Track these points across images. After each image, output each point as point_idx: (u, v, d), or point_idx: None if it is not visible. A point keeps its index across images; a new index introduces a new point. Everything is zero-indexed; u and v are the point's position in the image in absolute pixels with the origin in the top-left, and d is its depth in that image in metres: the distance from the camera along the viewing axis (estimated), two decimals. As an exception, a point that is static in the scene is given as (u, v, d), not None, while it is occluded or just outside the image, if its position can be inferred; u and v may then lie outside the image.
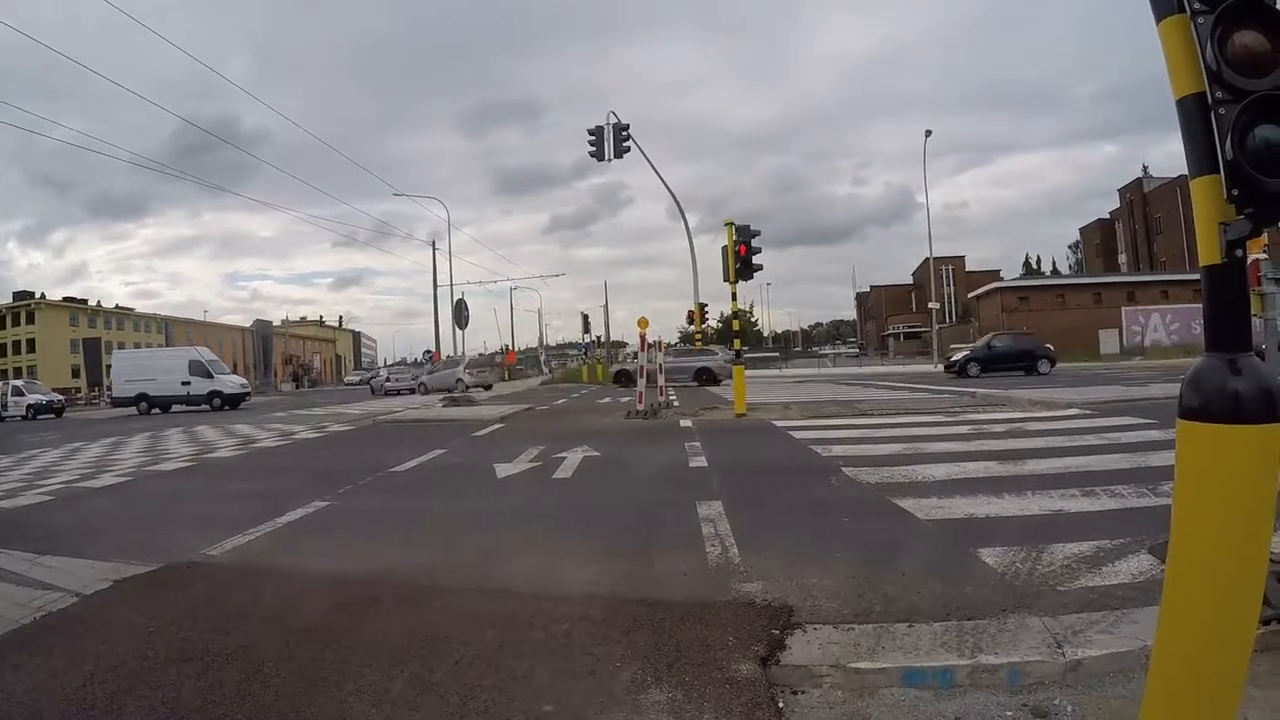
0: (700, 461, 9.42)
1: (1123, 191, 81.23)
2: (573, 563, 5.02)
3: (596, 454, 10.43)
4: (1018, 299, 59.68)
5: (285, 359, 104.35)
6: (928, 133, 44.33)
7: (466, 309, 25.47)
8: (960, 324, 69.13)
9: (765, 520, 6.19)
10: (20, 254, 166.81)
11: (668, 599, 4.10)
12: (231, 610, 4.36)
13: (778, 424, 13.33)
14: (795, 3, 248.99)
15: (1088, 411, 12.81)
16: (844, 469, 8.09)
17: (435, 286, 49.11)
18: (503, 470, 9.38)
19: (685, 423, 14.64)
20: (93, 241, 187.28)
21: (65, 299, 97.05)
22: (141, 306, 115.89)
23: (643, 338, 17.76)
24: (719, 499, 6.74)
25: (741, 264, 15.49)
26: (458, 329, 25.74)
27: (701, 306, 38.50)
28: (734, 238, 15.46)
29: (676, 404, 19.46)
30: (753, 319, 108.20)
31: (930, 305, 48.99)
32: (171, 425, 22.83)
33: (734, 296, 16.29)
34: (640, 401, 16.71)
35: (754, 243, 15.73)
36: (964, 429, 11.26)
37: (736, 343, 17.30)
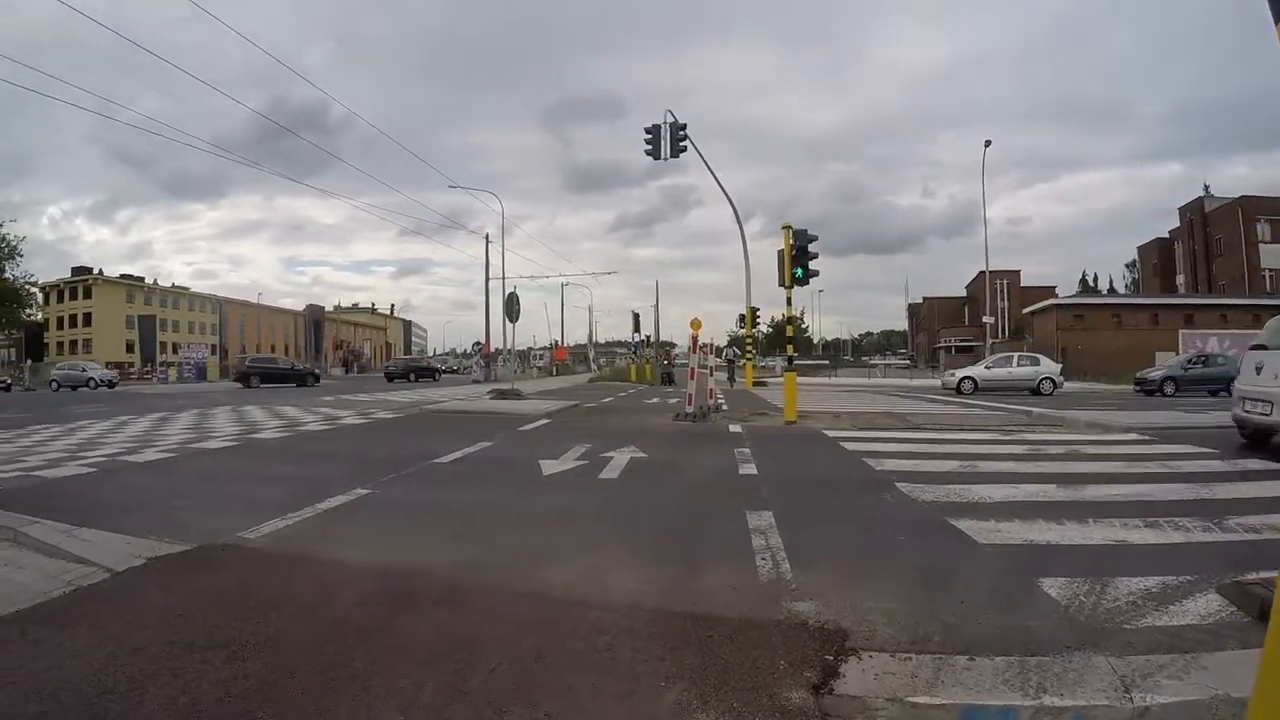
0: (750, 469, 9.14)
1: (1183, 210, 78.51)
2: (617, 569, 4.82)
3: (644, 455, 10.21)
4: (1073, 317, 58.42)
5: (336, 344, 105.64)
6: (987, 143, 43.49)
7: (518, 302, 25.40)
8: (1013, 339, 67.83)
9: (818, 535, 5.92)
10: (89, 230, 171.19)
11: (715, 614, 3.88)
12: (262, 597, 4.23)
13: (829, 434, 13.01)
14: (868, 12, 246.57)
15: (1146, 436, 12.33)
16: (898, 485, 7.79)
17: (487, 279, 49.51)
18: (548, 467, 9.23)
19: (734, 428, 14.36)
20: (158, 221, 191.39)
21: (122, 276, 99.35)
22: (201, 287, 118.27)
23: (695, 339, 17.47)
24: (769, 509, 6.49)
25: (798, 269, 15.22)
26: (509, 322, 25.67)
27: (753, 310, 38.25)
28: (791, 242, 15.20)
29: (725, 408, 19.11)
30: (803, 325, 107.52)
31: (985, 319, 48.07)
32: (217, 405, 23.04)
33: (788, 301, 15.93)
34: (689, 404, 16.43)
35: (810, 248, 15.47)
36: (1020, 448, 10.87)
37: (789, 349, 16.99)
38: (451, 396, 25.92)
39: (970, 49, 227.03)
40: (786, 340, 17.11)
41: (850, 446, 11.10)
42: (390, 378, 53.57)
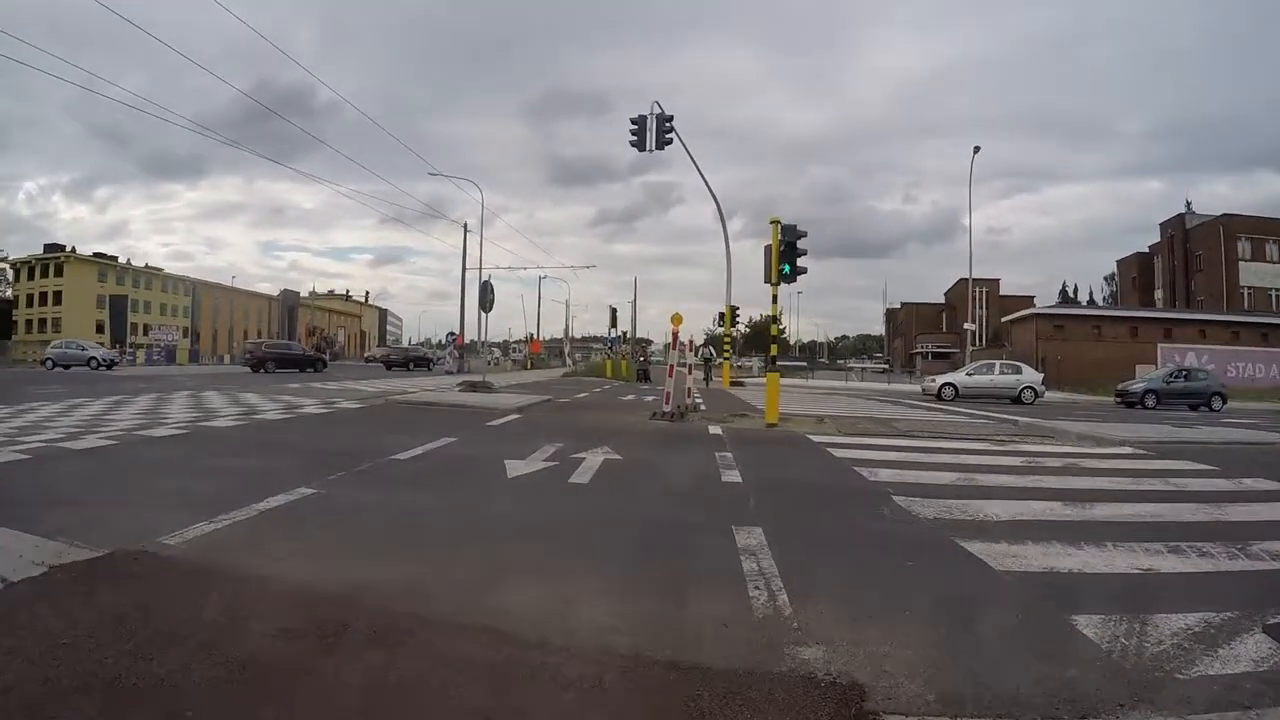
0: (733, 476, 8.49)
1: (1164, 226, 78.93)
2: (586, 596, 4.16)
3: (618, 458, 9.52)
4: (1053, 327, 58.13)
5: (308, 330, 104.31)
6: (976, 149, 43.15)
7: (492, 292, 24.55)
8: (991, 347, 67.60)
9: (816, 557, 5.29)
10: (66, 207, 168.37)
11: (705, 663, 3.22)
12: (165, 624, 3.54)
13: (814, 439, 12.45)
14: (856, 19, 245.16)
15: (1142, 451, 11.87)
16: (895, 498, 7.21)
17: (464, 269, 48.67)
18: (514, 468, 8.51)
19: (714, 429, 13.74)
20: (137, 200, 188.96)
21: (95, 255, 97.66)
22: (178, 268, 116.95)
23: (675, 335, 16.77)
24: (758, 525, 5.85)
25: (785, 265, 14.59)
26: (482, 312, 24.84)
27: (733, 309, 37.66)
28: (779, 237, 14.54)
29: (703, 408, 18.43)
30: (781, 326, 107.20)
31: (966, 326, 47.74)
32: (178, 389, 22.16)
33: (774, 299, 15.25)
34: (667, 403, 15.73)
35: (799, 244, 14.83)
36: (1016, 460, 10.35)
37: (773, 348, 16.30)
38: (421, 388, 25.08)
39: (957, 59, 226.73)
40: (770, 340, 16.45)
41: (839, 453, 10.55)
42: (389, 365, 53.51)
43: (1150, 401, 29.73)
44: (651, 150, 28.68)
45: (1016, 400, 29.73)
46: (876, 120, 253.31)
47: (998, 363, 33.67)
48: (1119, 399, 31.32)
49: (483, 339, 35.37)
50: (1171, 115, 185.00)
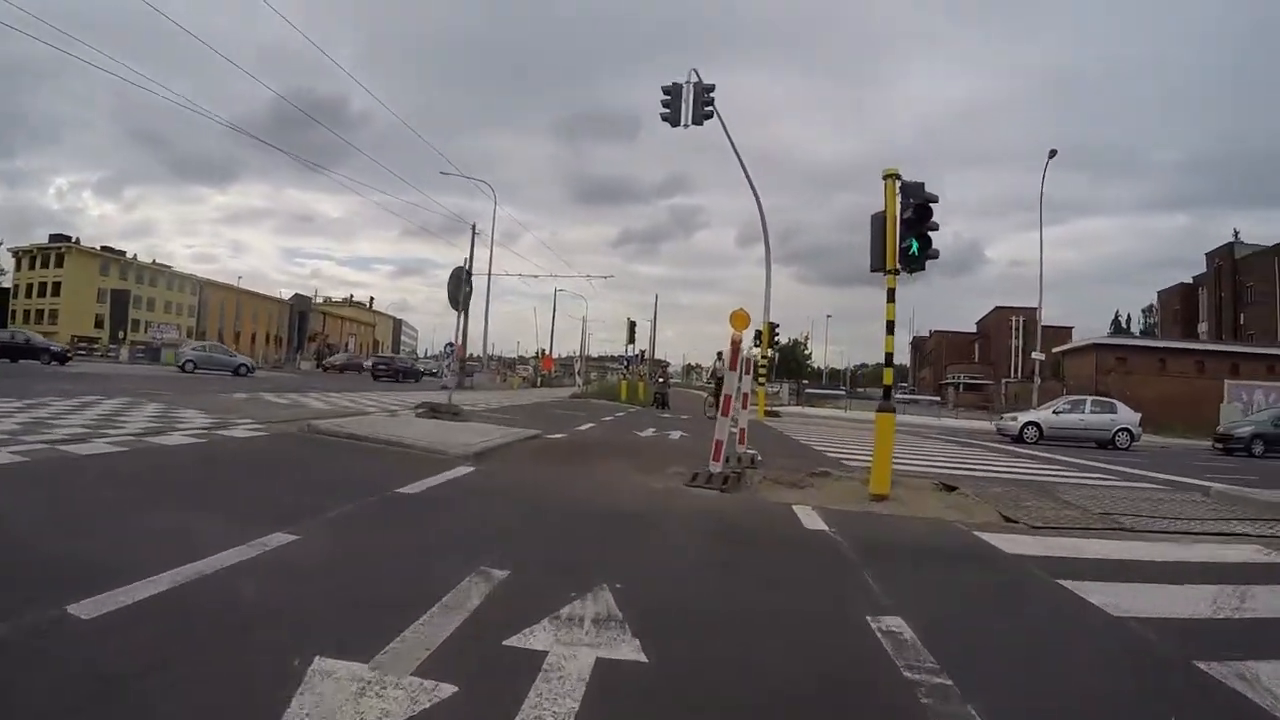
0: None
1: (1210, 256, 75.23)
2: None
3: (637, 659, 3.34)
4: (1115, 359, 53.78)
5: (311, 336, 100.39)
6: (1052, 152, 38.76)
7: (469, 283, 18.27)
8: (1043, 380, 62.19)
9: None
10: (95, 204, 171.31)
11: None
12: None
13: (989, 540, 6.74)
14: (884, 47, 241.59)
15: None
16: None
17: (468, 273, 43.76)
18: (311, 704, 2.63)
19: (805, 513, 7.52)
20: (164, 200, 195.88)
21: (103, 248, 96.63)
22: (201, 270, 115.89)
23: (735, 345, 9.90)
24: None
25: (914, 241, 8.79)
26: (454, 309, 18.59)
27: (772, 326, 32.68)
28: (897, 197, 8.80)
29: (760, 459, 11.62)
30: (807, 351, 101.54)
31: (1034, 355, 42.94)
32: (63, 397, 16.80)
33: (890, 296, 9.11)
34: (716, 457, 9.35)
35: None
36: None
37: (887, 374, 9.66)
38: (380, 407, 19.78)
39: (984, 91, 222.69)
40: (887, 359, 9.63)
41: (1077, 589, 4.97)
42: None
43: (1258, 448, 25.89)
44: (687, 125, 24.01)
45: (1110, 444, 25.63)
46: (901, 150, 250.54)
47: (1088, 399, 28.80)
48: (1218, 444, 27.41)
49: (480, 347, 30.14)
50: (1201, 149, 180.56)
